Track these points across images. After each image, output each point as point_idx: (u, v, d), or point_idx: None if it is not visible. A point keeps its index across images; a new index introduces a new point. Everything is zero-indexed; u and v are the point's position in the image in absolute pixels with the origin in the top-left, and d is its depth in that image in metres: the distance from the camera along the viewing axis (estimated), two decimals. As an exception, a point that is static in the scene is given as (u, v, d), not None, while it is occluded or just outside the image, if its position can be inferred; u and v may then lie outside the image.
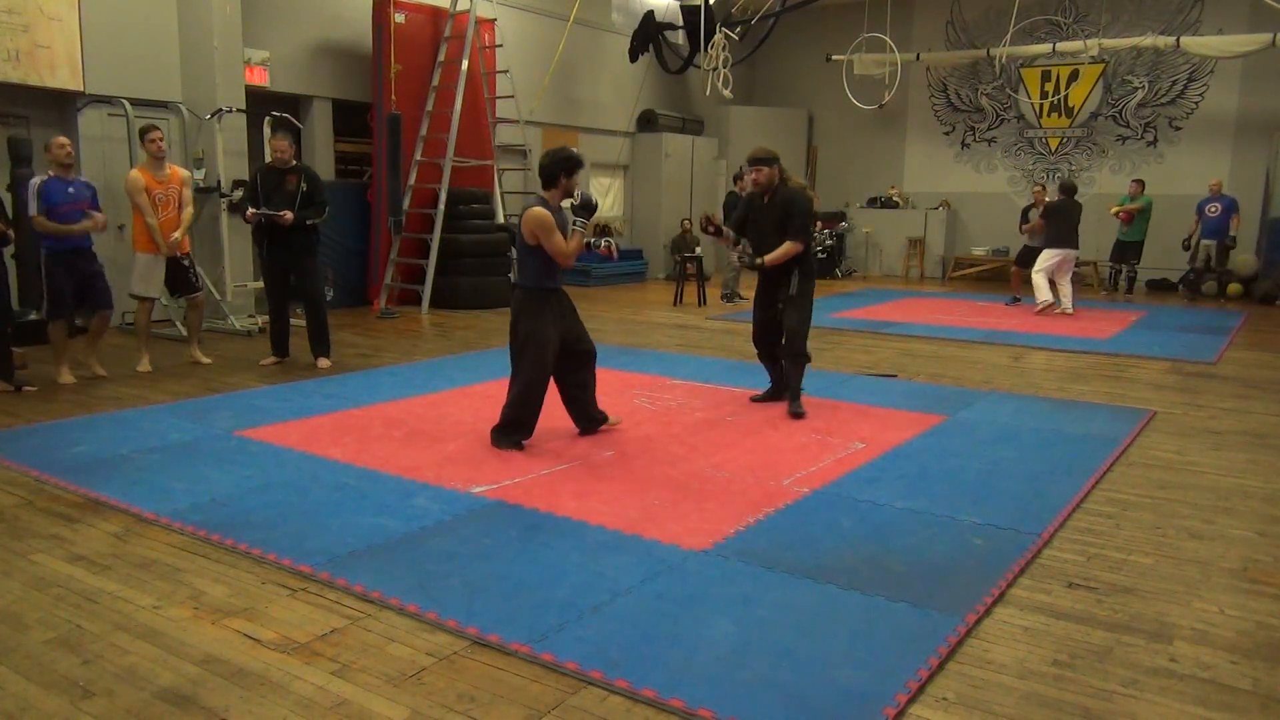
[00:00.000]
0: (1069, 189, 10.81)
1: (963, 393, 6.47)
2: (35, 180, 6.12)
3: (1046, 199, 11.36)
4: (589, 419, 5.19)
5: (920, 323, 10.05)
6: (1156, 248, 13.11)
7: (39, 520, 3.79)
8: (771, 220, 5.60)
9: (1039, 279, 10.73)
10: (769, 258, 5.56)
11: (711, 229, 5.82)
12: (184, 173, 7.06)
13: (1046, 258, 10.64)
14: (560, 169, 4.75)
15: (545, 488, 4.22)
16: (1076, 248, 10.66)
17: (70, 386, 6.19)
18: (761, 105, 16.91)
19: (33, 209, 6.02)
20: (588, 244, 4.74)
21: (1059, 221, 10.66)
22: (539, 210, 4.69)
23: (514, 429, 4.91)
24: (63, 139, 6.25)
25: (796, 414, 5.62)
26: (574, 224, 4.80)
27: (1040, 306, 10.76)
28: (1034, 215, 11.29)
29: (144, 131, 6.80)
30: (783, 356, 5.78)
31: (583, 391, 5.12)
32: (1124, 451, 5.03)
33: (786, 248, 5.52)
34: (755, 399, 6.05)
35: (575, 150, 4.89)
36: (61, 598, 3.08)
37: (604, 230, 4.91)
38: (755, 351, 6.06)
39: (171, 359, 7.16)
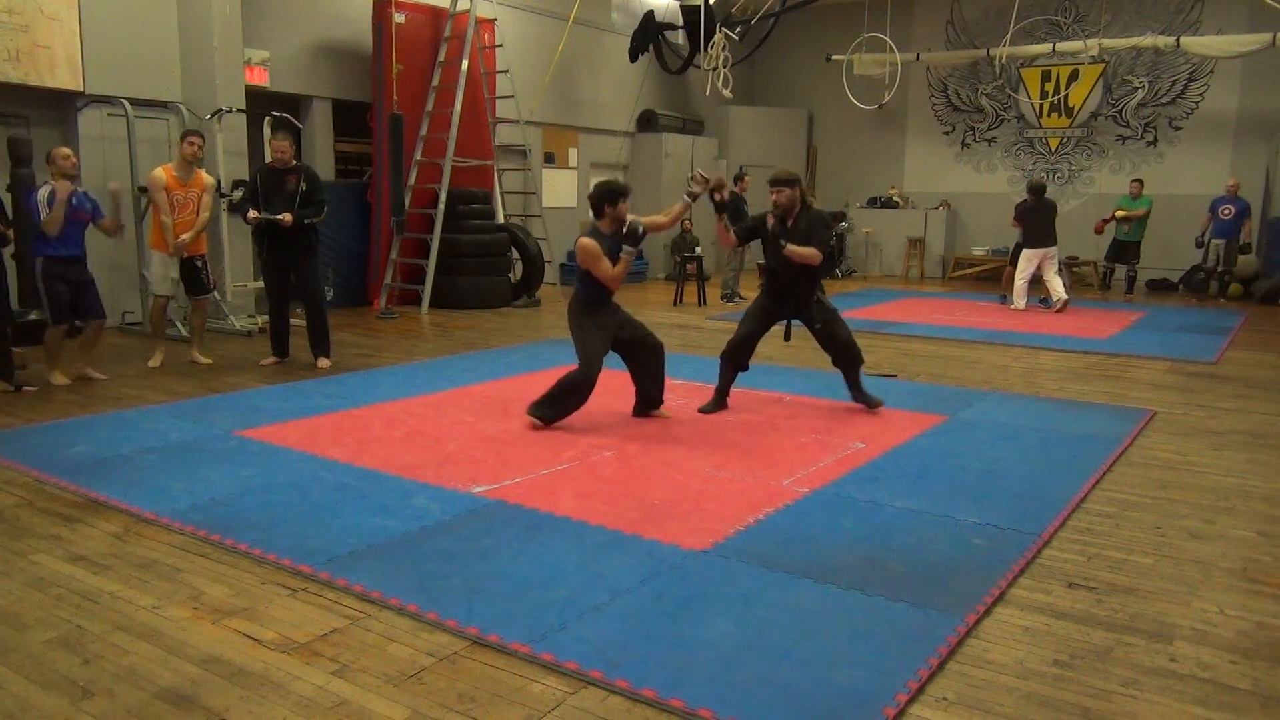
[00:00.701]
0: (1038, 189, 10.96)
1: (963, 393, 6.47)
2: (44, 189, 6.06)
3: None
4: (649, 403, 5.60)
5: (920, 323, 10.05)
6: (1156, 248, 13.10)
7: (39, 520, 3.79)
8: (795, 240, 5.54)
9: (1020, 284, 11.03)
10: (790, 248, 5.49)
11: (707, 189, 5.60)
12: (209, 179, 7.09)
13: (1026, 260, 10.90)
14: (604, 200, 5.20)
15: (545, 488, 4.22)
16: (1054, 244, 10.86)
17: (70, 386, 6.19)
18: (761, 105, 16.90)
19: (43, 214, 5.99)
20: (710, 185, 5.41)
21: (1033, 222, 10.85)
22: (586, 241, 5.16)
23: (550, 406, 5.28)
24: (66, 150, 6.20)
25: (878, 404, 5.87)
26: (622, 251, 5.17)
27: (1018, 308, 11.01)
28: None
29: (183, 135, 6.96)
30: (846, 367, 5.83)
31: (649, 378, 5.53)
32: (1124, 451, 5.03)
33: (810, 251, 5.48)
34: (703, 410, 5.77)
35: (620, 181, 5.37)
36: (61, 598, 3.08)
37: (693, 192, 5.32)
38: (726, 359, 5.82)
39: (172, 359, 7.15)
